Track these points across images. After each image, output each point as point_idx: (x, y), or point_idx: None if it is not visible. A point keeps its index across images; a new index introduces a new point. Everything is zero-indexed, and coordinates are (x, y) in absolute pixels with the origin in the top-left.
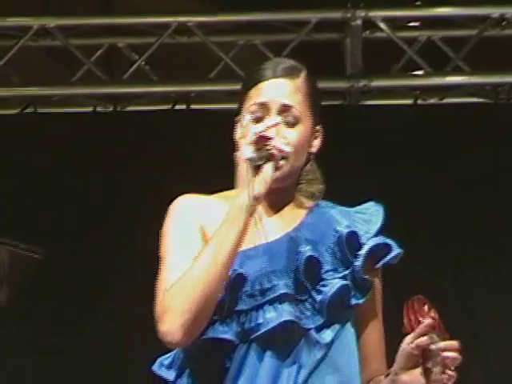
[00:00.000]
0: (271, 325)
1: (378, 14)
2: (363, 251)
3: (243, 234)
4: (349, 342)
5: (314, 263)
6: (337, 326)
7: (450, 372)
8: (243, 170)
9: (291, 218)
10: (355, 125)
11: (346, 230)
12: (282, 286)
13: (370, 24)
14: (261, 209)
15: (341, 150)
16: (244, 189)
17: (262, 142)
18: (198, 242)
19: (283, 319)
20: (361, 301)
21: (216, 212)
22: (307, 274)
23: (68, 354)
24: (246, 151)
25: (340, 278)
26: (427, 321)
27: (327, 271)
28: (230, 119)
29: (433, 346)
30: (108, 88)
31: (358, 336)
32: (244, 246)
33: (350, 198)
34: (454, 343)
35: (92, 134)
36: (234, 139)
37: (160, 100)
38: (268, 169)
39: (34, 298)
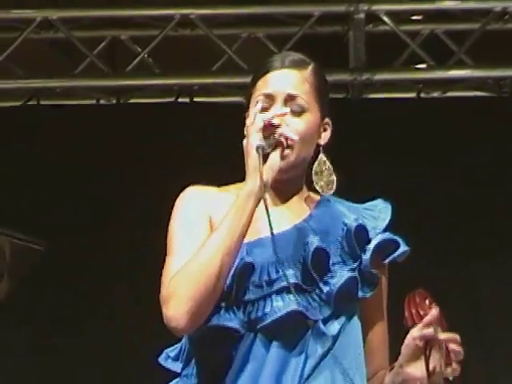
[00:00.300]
0: (278, 314)
1: (381, 7)
2: (371, 245)
3: (249, 221)
4: (355, 334)
5: (321, 254)
6: (343, 318)
7: (454, 365)
8: (251, 157)
9: (299, 209)
10: (358, 118)
11: (354, 224)
12: (291, 276)
13: (373, 17)
14: (269, 199)
15: (344, 143)
16: (251, 176)
17: (269, 129)
18: (205, 232)
19: (290, 309)
20: (368, 295)
21: (223, 203)
22: (315, 265)
23: (68, 354)
24: (253, 139)
25: (348, 270)
26: (433, 311)
27: (335, 263)
28: (233, 112)
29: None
30: (111, 80)
31: (363, 331)
32: (252, 237)
33: (353, 192)
34: (456, 336)
35: (95, 127)
36: (241, 134)
37: (163, 92)
38: (275, 157)
39: (34, 298)
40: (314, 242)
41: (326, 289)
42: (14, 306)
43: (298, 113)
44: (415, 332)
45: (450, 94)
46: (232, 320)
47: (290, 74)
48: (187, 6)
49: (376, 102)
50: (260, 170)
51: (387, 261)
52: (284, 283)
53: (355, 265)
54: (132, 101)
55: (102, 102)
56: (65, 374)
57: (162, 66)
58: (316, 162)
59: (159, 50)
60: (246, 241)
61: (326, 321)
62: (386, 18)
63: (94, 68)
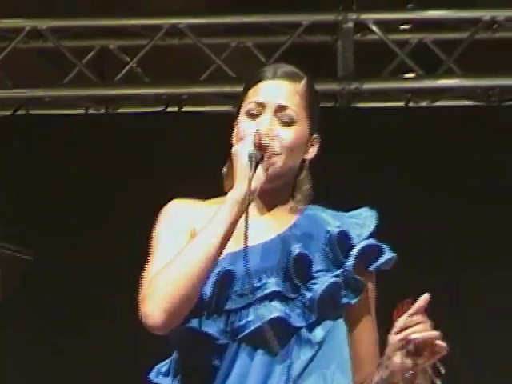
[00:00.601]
0: (261, 322)
1: (369, 16)
2: (354, 251)
3: (233, 227)
4: (340, 339)
5: (303, 261)
6: (328, 324)
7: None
8: (240, 165)
9: (284, 219)
10: (346, 127)
11: (337, 230)
12: (273, 284)
13: (361, 26)
14: (255, 208)
15: (332, 152)
16: (239, 184)
17: (259, 140)
18: (186, 240)
19: (272, 316)
20: (353, 301)
21: (208, 215)
22: (297, 272)
23: (68, 354)
24: (244, 148)
25: (331, 276)
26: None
27: (318, 271)
28: (222, 121)
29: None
30: (100, 90)
31: (351, 337)
32: (235, 247)
33: (341, 201)
34: (437, 333)
35: (84, 136)
36: (230, 142)
37: (152, 102)
38: (262, 166)
39: (34, 298)
40: (296, 248)
41: (308, 295)
42: (14, 305)
43: (288, 123)
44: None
45: (438, 103)
46: (211, 327)
47: (282, 84)
48: (176, 15)
49: (365, 111)
50: (249, 178)
51: (372, 268)
52: (266, 291)
53: (339, 272)
54: (121, 110)
55: (90, 111)
56: (65, 374)
57: (151, 76)
58: (300, 176)
59: (148, 59)
60: (231, 250)
61: (310, 327)
62: (374, 28)
63: (82, 77)
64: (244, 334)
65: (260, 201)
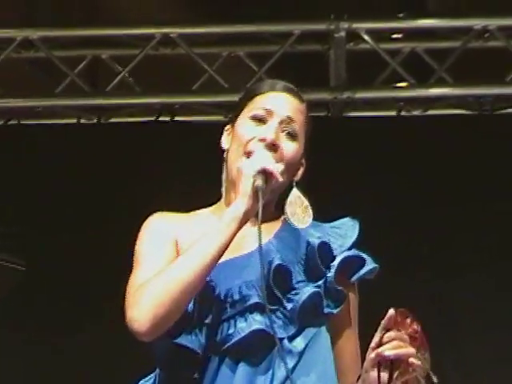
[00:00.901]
0: (242, 334)
1: (361, 25)
2: (336, 262)
3: (228, 243)
4: (323, 348)
5: (283, 272)
6: (310, 334)
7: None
8: (242, 182)
9: (267, 231)
10: (339, 136)
11: (317, 241)
12: (253, 297)
13: (353, 36)
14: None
15: (324, 161)
16: (239, 201)
17: (270, 176)
18: (171, 253)
19: (253, 328)
20: (334, 311)
21: (192, 226)
22: (277, 283)
23: (68, 353)
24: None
25: (312, 287)
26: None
27: (299, 281)
28: (214, 130)
29: (388, 353)
30: (92, 99)
31: (334, 348)
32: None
33: (333, 209)
34: (410, 350)
35: (76, 146)
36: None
37: (144, 111)
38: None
39: (34, 298)
40: (275, 260)
41: (289, 306)
42: (13, 305)
43: (292, 136)
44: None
45: (430, 112)
46: (192, 342)
47: (291, 99)
48: (168, 25)
49: (357, 121)
50: (249, 195)
51: (354, 279)
52: (247, 304)
53: (320, 282)
54: (113, 120)
55: (82, 121)
56: (65, 374)
57: (143, 85)
58: (290, 197)
59: (140, 68)
60: None
61: (291, 338)
62: (366, 37)
63: (74, 87)
64: (225, 346)
65: None
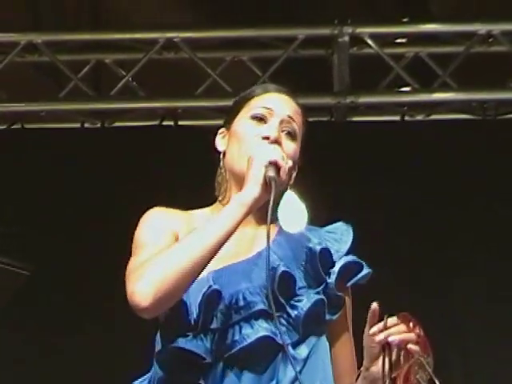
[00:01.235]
0: (248, 341)
1: (365, 30)
2: (336, 268)
3: (235, 228)
4: (324, 356)
5: (287, 279)
6: (312, 341)
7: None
8: (254, 169)
9: (264, 237)
10: (342, 141)
11: (318, 247)
12: (258, 303)
13: (357, 40)
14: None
15: (327, 166)
16: (249, 187)
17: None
18: (171, 240)
19: (260, 335)
20: (334, 317)
21: (190, 222)
22: (282, 290)
23: (68, 353)
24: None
25: (314, 293)
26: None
27: (300, 287)
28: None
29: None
30: (95, 104)
31: (331, 352)
32: (219, 264)
33: (336, 213)
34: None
35: (79, 150)
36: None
37: (147, 116)
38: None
39: (34, 298)
40: (280, 267)
41: (293, 313)
42: (13, 305)
43: (292, 136)
44: (367, 332)
45: (434, 116)
46: (199, 347)
47: (290, 101)
48: (171, 29)
49: (360, 125)
50: (259, 184)
51: (350, 283)
52: (252, 310)
53: (320, 288)
54: (116, 124)
55: (86, 125)
56: (65, 374)
57: (147, 90)
58: (284, 199)
59: (144, 73)
60: (216, 268)
61: (294, 344)
62: (370, 41)
63: (78, 91)
64: (231, 352)
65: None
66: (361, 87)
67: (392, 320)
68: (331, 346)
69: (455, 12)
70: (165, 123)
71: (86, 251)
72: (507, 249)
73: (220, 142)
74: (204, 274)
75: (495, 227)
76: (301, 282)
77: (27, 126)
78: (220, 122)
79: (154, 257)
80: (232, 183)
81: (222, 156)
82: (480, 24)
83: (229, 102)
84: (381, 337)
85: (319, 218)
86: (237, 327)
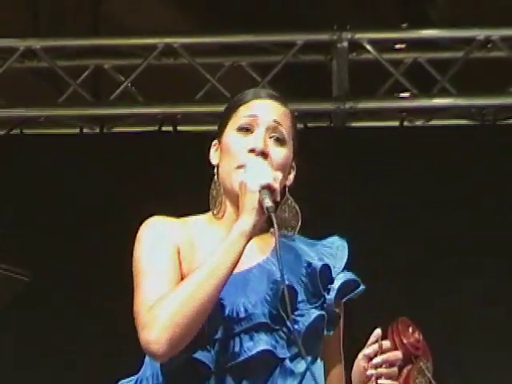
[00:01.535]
0: (249, 354)
1: (364, 36)
2: (336, 285)
3: (238, 258)
4: (319, 372)
5: (289, 292)
6: (309, 356)
7: None
8: (247, 197)
9: (261, 248)
10: (341, 147)
11: (319, 264)
12: (259, 315)
13: (356, 46)
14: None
15: (326, 171)
16: (246, 215)
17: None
18: (175, 261)
19: (260, 348)
20: (330, 333)
21: (186, 233)
22: (283, 304)
23: (68, 354)
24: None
25: (314, 308)
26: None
27: (300, 302)
28: None
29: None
30: (94, 109)
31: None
32: None
33: (335, 219)
34: (397, 353)
35: (78, 156)
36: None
37: (146, 121)
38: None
39: (34, 298)
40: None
41: (294, 327)
42: (13, 305)
43: (280, 142)
44: (360, 355)
45: (433, 122)
46: (205, 356)
47: (275, 104)
48: (170, 35)
49: (359, 131)
50: (255, 211)
51: (345, 299)
52: (253, 323)
53: (319, 303)
54: (115, 130)
55: (85, 130)
56: (65, 374)
57: (146, 95)
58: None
59: (142, 78)
60: None
61: (292, 358)
62: (369, 47)
63: (77, 97)
64: (231, 364)
65: None
66: (360, 93)
67: (386, 343)
68: (324, 363)
69: (454, 18)
70: (164, 129)
71: (86, 251)
72: (504, 257)
73: (213, 156)
74: None
75: (494, 230)
76: (300, 296)
77: (26, 131)
78: None
79: (163, 300)
80: (227, 198)
81: (216, 169)
82: (479, 30)
83: None
84: (377, 360)
85: (314, 222)
86: (237, 339)
